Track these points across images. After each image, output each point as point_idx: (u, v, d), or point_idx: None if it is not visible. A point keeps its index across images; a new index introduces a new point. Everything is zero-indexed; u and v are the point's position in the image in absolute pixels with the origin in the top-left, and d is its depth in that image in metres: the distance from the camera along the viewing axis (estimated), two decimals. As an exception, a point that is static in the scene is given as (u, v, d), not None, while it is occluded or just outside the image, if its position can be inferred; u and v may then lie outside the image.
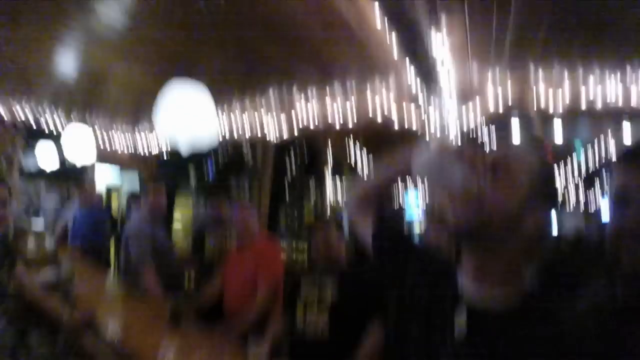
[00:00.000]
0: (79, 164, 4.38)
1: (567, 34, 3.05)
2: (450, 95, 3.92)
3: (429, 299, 0.97)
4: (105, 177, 7.99)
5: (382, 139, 11.42)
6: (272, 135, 5.34)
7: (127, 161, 7.47)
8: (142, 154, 7.44)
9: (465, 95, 4.12)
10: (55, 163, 5.42)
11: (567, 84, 3.89)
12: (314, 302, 2.30)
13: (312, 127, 5.00)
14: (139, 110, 5.30)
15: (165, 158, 8.10)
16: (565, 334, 0.79)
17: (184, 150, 2.67)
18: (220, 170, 10.84)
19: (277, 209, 11.21)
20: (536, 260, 0.89)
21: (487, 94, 4.06)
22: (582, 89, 3.85)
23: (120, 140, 7.16)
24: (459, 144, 4.25)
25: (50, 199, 6.72)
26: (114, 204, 6.82)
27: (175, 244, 3.87)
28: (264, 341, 2.08)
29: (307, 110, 4.88)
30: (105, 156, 7.05)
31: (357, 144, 10.35)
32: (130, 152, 7.37)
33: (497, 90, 4.04)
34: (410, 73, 3.32)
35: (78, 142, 4.39)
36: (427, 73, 3.13)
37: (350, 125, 4.61)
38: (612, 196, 0.92)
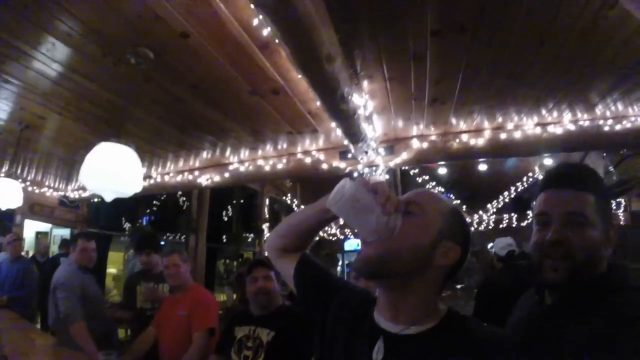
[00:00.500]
0: (3, 208, 4.24)
1: (481, 84, 3.30)
2: (376, 146, 4.20)
3: (348, 333, 0.99)
4: (34, 224, 7.59)
5: (316, 186, 11.77)
6: (207, 185, 5.34)
7: (57, 209, 7.21)
8: (73, 200, 7.25)
9: (390, 145, 4.43)
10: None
11: (487, 127, 4.22)
12: (249, 343, 2.31)
13: (246, 180, 5.14)
14: (71, 160, 5.17)
15: (96, 206, 7.92)
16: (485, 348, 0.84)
17: (108, 198, 2.68)
18: (156, 218, 10.61)
19: (214, 258, 11.05)
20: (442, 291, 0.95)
21: (410, 144, 4.37)
22: (501, 133, 4.20)
23: (51, 189, 6.95)
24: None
25: None
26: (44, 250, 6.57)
27: (109, 293, 3.70)
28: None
29: (241, 165, 5.00)
30: (34, 205, 6.82)
31: (294, 194, 10.58)
32: (60, 198, 7.16)
33: (420, 140, 4.37)
34: (338, 129, 3.51)
35: (6, 192, 4.25)
36: (353, 130, 3.34)
37: (283, 177, 4.76)
38: (533, 218, 1.06)
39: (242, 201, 11.58)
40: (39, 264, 5.88)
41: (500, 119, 4.12)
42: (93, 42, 2.57)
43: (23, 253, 5.14)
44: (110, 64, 2.84)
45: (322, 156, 4.52)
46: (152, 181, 5.88)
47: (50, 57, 2.78)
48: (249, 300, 2.46)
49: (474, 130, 4.32)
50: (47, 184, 6.85)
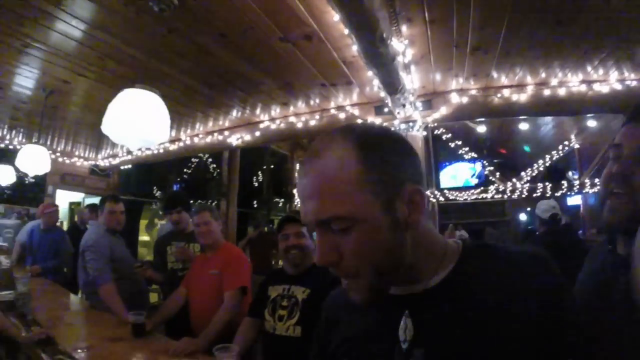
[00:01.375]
0: (31, 174, 4.26)
1: (526, 33, 3.11)
2: (413, 100, 4.01)
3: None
4: (66, 195, 7.77)
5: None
6: (237, 145, 5.27)
7: (88, 178, 7.36)
8: (104, 168, 7.38)
9: (428, 99, 4.24)
10: (12, 177, 5.35)
11: (530, 82, 4.03)
12: (283, 302, 2.27)
13: (278, 138, 5.04)
14: (99, 126, 5.16)
15: (127, 173, 8.04)
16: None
17: (133, 147, 2.60)
18: (187, 185, 10.72)
19: (245, 223, 11.13)
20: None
21: (449, 98, 4.17)
22: (545, 89, 3.99)
23: (82, 158, 7.08)
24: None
25: (9, 219, 6.53)
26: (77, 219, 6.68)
27: (139, 257, 3.73)
28: (233, 349, 2.01)
29: (272, 123, 4.89)
30: (65, 176, 6.96)
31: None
32: (91, 167, 7.29)
33: (459, 94, 4.16)
34: (375, 79, 3.35)
35: (34, 159, 4.28)
36: (392, 79, 3.17)
37: (316, 135, 4.62)
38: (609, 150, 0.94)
39: (272, 166, 11.57)
40: (82, 232, 5.85)
41: (543, 74, 3.91)
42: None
43: (57, 223, 5.17)
44: (133, 14, 2.73)
45: (356, 111, 4.36)
46: (181, 144, 5.86)
47: (71, 14, 2.70)
48: (282, 259, 2.39)
49: (516, 85, 4.11)
50: (77, 153, 6.96)
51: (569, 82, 3.97)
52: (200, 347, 2.34)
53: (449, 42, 3.25)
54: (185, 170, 10.96)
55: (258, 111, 4.76)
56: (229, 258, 2.84)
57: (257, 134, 4.98)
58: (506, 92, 4.11)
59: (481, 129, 7.69)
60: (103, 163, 7.31)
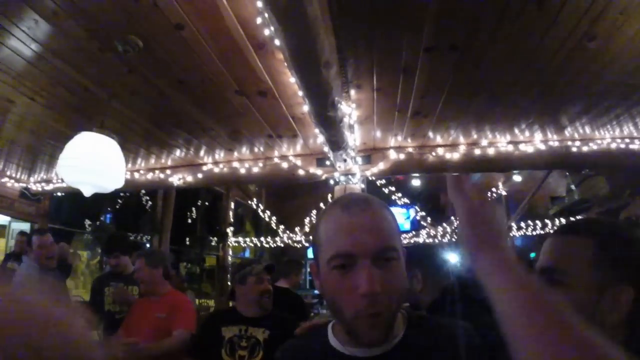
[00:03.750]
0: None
1: (462, 102, 3.44)
2: (354, 155, 4.24)
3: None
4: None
5: (281, 192, 11.66)
6: (179, 185, 5.22)
7: (18, 201, 6.84)
8: (35, 192, 6.91)
9: (368, 154, 4.50)
10: None
11: (462, 142, 4.38)
12: (242, 343, 2.30)
13: (220, 182, 5.05)
14: (36, 149, 4.93)
15: (59, 200, 7.57)
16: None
17: (87, 193, 2.56)
18: (119, 217, 10.24)
19: (177, 261, 10.77)
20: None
21: (388, 154, 4.45)
22: (475, 148, 4.36)
23: (12, 179, 6.60)
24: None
25: None
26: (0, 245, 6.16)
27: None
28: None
29: (215, 166, 4.92)
30: None
31: (259, 198, 10.48)
32: (21, 189, 6.80)
33: (397, 151, 4.45)
34: (320, 136, 3.53)
35: None
36: (336, 138, 3.36)
37: (259, 181, 4.71)
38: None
39: (206, 203, 11.37)
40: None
41: (475, 135, 4.28)
42: (80, 25, 2.45)
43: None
44: (95, 49, 2.72)
45: (299, 162, 4.51)
46: (120, 178, 5.68)
47: (31, 36, 2.64)
48: (247, 301, 2.44)
49: (450, 145, 4.45)
50: (8, 173, 6.50)
51: (498, 142, 4.37)
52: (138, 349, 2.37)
53: (392, 107, 3.50)
54: (118, 201, 10.44)
55: (202, 153, 4.77)
56: (177, 303, 2.85)
57: (200, 175, 4.97)
58: (440, 151, 4.42)
59: (415, 182, 8.14)
60: (35, 187, 6.84)
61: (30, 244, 3.41)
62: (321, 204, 9.82)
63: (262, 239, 10.41)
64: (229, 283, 9.55)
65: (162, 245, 8.92)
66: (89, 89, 3.28)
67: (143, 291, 2.91)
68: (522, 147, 4.33)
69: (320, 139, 3.60)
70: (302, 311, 3.79)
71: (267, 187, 10.91)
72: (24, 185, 6.83)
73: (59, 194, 7.07)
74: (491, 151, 4.36)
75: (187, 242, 10.98)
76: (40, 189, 6.77)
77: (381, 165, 4.47)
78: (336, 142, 3.45)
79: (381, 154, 4.51)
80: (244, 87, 3.09)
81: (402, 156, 4.46)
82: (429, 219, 11.04)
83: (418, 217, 11.40)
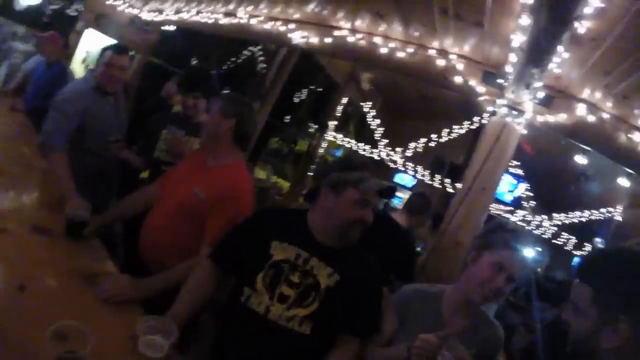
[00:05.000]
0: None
1: None
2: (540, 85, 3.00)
3: None
4: (94, 41, 6.80)
5: (402, 108, 10.59)
6: (298, 44, 4.28)
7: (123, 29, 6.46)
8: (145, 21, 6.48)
9: (551, 96, 3.22)
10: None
11: None
12: (294, 277, 1.52)
13: (349, 54, 3.99)
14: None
15: (168, 35, 7.11)
16: None
17: None
18: (227, 73, 9.79)
19: (269, 133, 10.34)
20: None
21: (575, 107, 3.17)
22: None
23: (126, 3, 6.16)
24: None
25: (25, 44, 5.84)
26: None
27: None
28: (171, 331, 1.28)
29: (351, 35, 3.86)
30: (101, 16, 6.12)
31: (374, 105, 9.46)
32: (132, 17, 6.38)
33: (589, 110, 3.16)
34: (521, 35, 2.35)
35: None
36: (552, 42, 2.18)
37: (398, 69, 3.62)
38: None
39: (320, 90, 10.54)
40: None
41: None
42: None
43: (83, 66, 4.45)
44: None
45: (461, 65, 3.32)
46: (235, 21, 4.85)
47: None
48: (328, 218, 1.59)
49: None
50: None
51: None
52: (135, 297, 1.61)
53: (637, 37, 2.28)
54: (231, 57, 9.86)
55: (340, 14, 3.74)
56: (231, 191, 1.93)
57: (328, 40, 3.95)
58: (637, 137, 3.10)
59: (580, 159, 6.51)
60: (146, 16, 6.35)
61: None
62: (433, 135, 8.78)
63: (361, 145, 9.48)
64: (309, 174, 9.01)
65: (261, 112, 8.37)
66: None
67: (200, 143, 2.11)
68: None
69: (519, 40, 2.40)
70: (407, 265, 2.89)
71: (386, 96, 9.80)
72: (137, 11, 6.34)
73: (168, 27, 6.58)
74: None
75: (286, 120, 10.41)
76: (150, 18, 6.26)
77: (561, 117, 3.20)
78: (543, 51, 2.25)
79: (567, 103, 3.20)
80: None
81: (591, 118, 3.15)
82: (533, 202, 9.65)
83: (523, 195, 10.09)
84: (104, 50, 2.61)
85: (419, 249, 4.19)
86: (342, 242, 1.58)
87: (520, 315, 6.40)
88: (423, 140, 8.76)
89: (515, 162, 8.94)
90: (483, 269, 1.53)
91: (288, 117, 10.45)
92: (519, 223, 10.01)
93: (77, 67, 6.47)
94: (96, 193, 2.23)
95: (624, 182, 6.41)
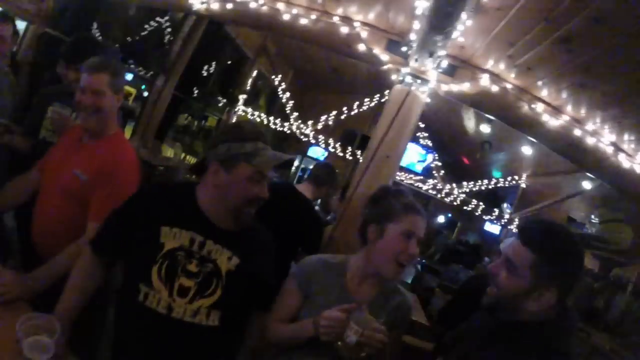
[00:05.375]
0: None
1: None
2: (441, 55, 3.01)
3: None
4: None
5: (311, 81, 10.50)
6: (198, 10, 3.97)
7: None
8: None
9: (453, 65, 3.26)
10: None
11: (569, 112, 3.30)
12: (190, 266, 1.36)
13: (250, 21, 3.76)
14: None
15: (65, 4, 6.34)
16: None
17: None
18: (130, 43, 9.00)
19: (176, 109, 9.78)
20: None
21: (478, 77, 3.24)
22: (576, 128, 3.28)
23: None
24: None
25: None
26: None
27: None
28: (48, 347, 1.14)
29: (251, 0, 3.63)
30: None
31: (284, 78, 9.29)
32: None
33: (492, 80, 3.25)
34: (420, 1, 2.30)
35: None
36: (452, 9, 2.15)
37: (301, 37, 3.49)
38: None
39: (228, 63, 10.08)
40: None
41: (583, 114, 3.23)
42: None
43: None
44: None
45: (365, 34, 3.20)
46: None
47: None
48: (220, 197, 1.41)
49: (553, 107, 3.30)
50: None
51: (602, 135, 3.35)
52: (22, 294, 1.47)
53: (542, 12, 2.29)
54: (137, 28, 9.05)
55: (241, -24, 3.49)
56: (111, 166, 1.76)
57: (229, 6, 3.67)
58: (540, 107, 3.26)
59: (484, 128, 6.76)
60: None
61: None
62: (344, 109, 8.81)
63: (272, 118, 9.29)
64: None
65: (167, 86, 7.85)
66: None
67: (82, 122, 1.84)
68: (621, 156, 3.38)
69: (421, 6, 2.35)
70: (313, 237, 2.81)
71: (297, 69, 9.65)
72: None
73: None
74: (590, 141, 3.30)
75: (194, 95, 9.85)
76: None
77: (465, 87, 3.23)
78: (446, 17, 2.20)
79: (471, 72, 3.25)
80: None
81: (495, 88, 3.22)
82: (442, 172, 10.22)
83: (432, 165, 10.61)
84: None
85: (329, 218, 4.15)
86: (237, 223, 1.44)
87: (437, 278, 6.74)
88: (334, 113, 8.79)
89: (424, 134, 9.31)
90: (394, 241, 1.47)
91: (195, 91, 9.91)
92: (430, 192, 10.54)
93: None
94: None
95: (527, 150, 6.84)
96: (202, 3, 3.87)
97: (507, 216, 9.59)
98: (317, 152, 12.37)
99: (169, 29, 8.72)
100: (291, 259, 2.75)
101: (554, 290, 1.17)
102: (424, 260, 8.69)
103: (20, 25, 6.40)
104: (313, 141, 9.31)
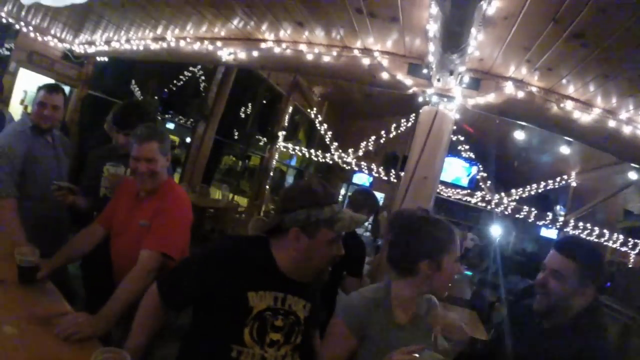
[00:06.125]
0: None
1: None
2: (462, 71, 3.06)
3: None
4: (30, 80, 6.49)
5: (347, 108, 10.61)
6: (227, 61, 4.23)
7: (59, 62, 6.26)
8: (78, 54, 6.31)
9: (477, 78, 3.31)
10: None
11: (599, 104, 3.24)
12: (277, 321, 1.47)
13: (278, 66, 3.98)
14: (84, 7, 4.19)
15: (103, 66, 6.88)
16: None
17: None
18: (169, 95, 9.51)
19: (219, 152, 10.17)
20: None
21: (503, 86, 3.26)
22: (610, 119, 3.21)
23: (56, 39, 5.96)
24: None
25: None
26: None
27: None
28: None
29: (276, 45, 3.85)
30: (34, 54, 5.98)
31: (320, 109, 9.48)
32: (64, 51, 6.21)
33: (517, 86, 3.28)
34: (433, 23, 2.39)
35: None
36: (461, 28, 2.22)
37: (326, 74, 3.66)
38: None
39: (264, 102, 10.46)
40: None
41: (615, 103, 3.17)
42: None
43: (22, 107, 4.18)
44: None
45: (386, 61, 3.35)
46: (164, 44, 4.76)
47: None
48: (300, 259, 1.48)
49: (583, 102, 3.28)
50: (52, 32, 5.81)
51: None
52: (95, 332, 1.56)
53: (548, 14, 2.33)
54: (172, 80, 9.58)
55: (264, 27, 3.71)
56: (165, 204, 1.97)
57: (255, 53, 3.93)
58: (569, 105, 3.25)
59: (519, 135, 6.66)
60: (78, 49, 6.18)
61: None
62: (382, 132, 8.88)
63: (313, 151, 9.47)
64: (267, 187, 8.91)
65: (207, 132, 8.26)
66: None
67: (140, 185, 2.04)
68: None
69: (433, 30, 2.44)
70: (356, 262, 2.87)
71: (331, 99, 9.84)
72: (68, 46, 6.16)
73: (102, 59, 6.50)
74: (627, 130, 3.23)
75: (235, 137, 10.24)
76: (83, 51, 6.11)
77: (491, 97, 3.29)
78: (456, 36, 2.28)
79: (494, 82, 3.31)
80: None
81: (520, 94, 3.26)
82: (488, 182, 10.01)
83: (478, 177, 10.47)
84: (39, 89, 2.54)
85: (380, 244, 4.19)
86: (317, 279, 1.56)
87: (496, 292, 6.56)
88: (373, 138, 8.87)
89: (465, 146, 9.21)
90: (451, 270, 1.52)
91: (235, 133, 10.30)
92: (480, 204, 10.31)
93: (16, 109, 6.33)
94: (46, 238, 2.17)
95: (565, 150, 6.65)
96: (230, 54, 4.13)
97: (561, 219, 9.31)
98: (362, 179, 12.39)
99: (202, 77, 9.23)
100: (338, 285, 2.82)
101: (592, 287, 1.50)
102: (477, 274, 8.44)
103: (67, 90, 7.03)
104: (356, 168, 9.38)
